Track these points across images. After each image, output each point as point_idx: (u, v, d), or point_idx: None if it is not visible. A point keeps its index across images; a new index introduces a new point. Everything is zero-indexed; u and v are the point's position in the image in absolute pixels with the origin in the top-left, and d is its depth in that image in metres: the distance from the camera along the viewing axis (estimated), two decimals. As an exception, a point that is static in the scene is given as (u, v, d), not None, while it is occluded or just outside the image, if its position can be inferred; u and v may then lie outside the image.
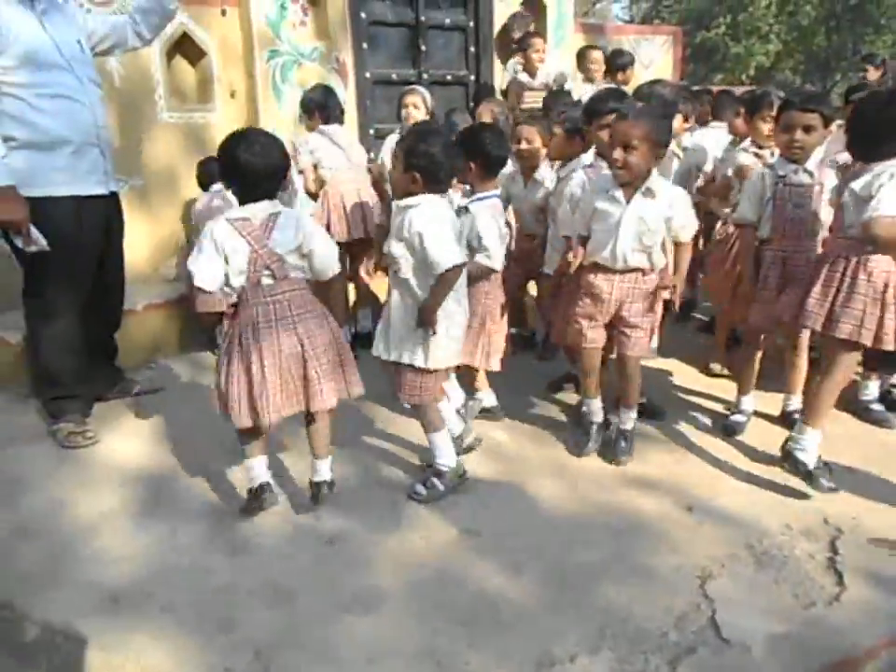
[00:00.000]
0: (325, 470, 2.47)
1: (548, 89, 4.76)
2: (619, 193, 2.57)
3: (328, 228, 3.69)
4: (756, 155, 3.36)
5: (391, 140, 4.17)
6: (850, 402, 3.10)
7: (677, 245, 2.70)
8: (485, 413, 3.08)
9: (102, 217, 2.95)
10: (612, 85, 4.80)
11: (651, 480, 2.67)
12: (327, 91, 3.92)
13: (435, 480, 2.54)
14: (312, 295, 2.34)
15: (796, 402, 3.08)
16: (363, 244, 3.91)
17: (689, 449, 2.88)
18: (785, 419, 3.08)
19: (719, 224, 3.62)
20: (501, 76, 5.23)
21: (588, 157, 3.13)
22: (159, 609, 2.02)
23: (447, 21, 5.16)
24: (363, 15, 4.77)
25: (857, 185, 2.37)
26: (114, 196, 3.04)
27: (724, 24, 20.01)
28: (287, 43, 4.46)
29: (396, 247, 2.39)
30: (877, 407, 3.09)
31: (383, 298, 4.06)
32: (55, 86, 2.68)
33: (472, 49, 5.29)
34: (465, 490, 2.59)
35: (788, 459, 2.58)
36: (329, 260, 2.33)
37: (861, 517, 2.40)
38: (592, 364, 2.80)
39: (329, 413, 2.42)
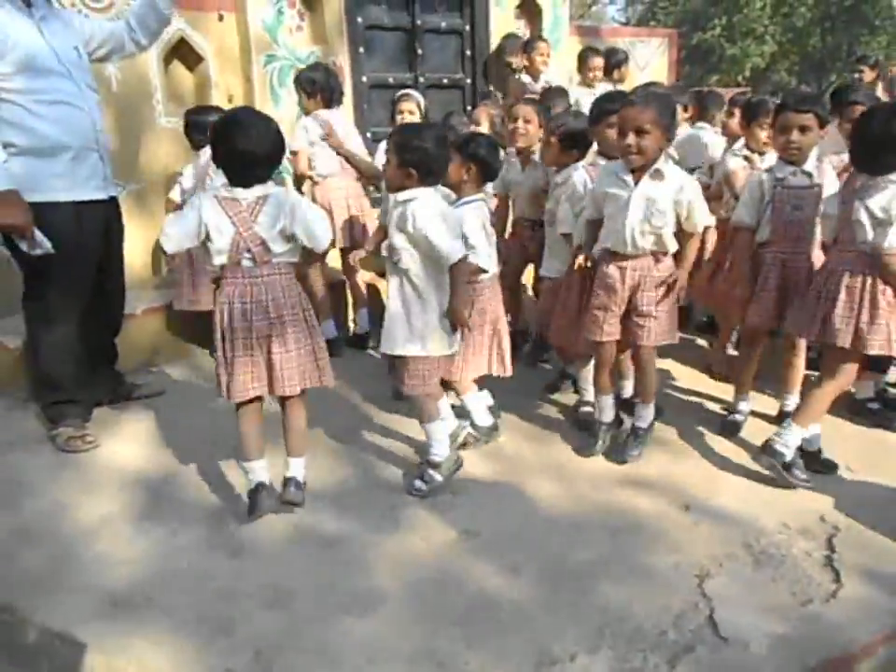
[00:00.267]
0: (295, 468, 2.46)
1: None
2: (628, 177, 2.60)
3: None
4: (746, 158, 3.37)
5: (384, 146, 4.21)
6: (847, 403, 3.11)
7: (686, 235, 2.68)
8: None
9: (101, 222, 2.96)
10: (612, 88, 4.85)
11: (649, 479, 2.68)
12: (328, 71, 3.91)
13: (431, 472, 2.58)
14: (293, 280, 2.36)
15: (793, 402, 3.08)
16: (352, 249, 3.92)
17: (686, 448, 2.89)
18: (782, 419, 3.08)
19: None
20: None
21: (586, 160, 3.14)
22: (159, 612, 2.03)
23: (443, 24, 5.18)
24: (359, 19, 4.79)
25: (873, 204, 2.41)
26: (113, 201, 3.05)
27: (720, 26, 20.12)
28: (284, 48, 4.48)
29: (398, 239, 2.43)
30: (875, 406, 3.10)
31: (375, 299, 4.12)
32: (54, 92, 2.69)
33: (468, 52, 5.32)
34: (463, 491, 2.60)
35: (766, 450, 2.61)
36: (318, 238, 2.32)
37: (857, 515, 2.41)
38: (606, 358, 2.80)
39: (298, 407, 2.43)
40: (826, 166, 2.95)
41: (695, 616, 1.97)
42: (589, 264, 2.76)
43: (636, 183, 2.58)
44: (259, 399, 2.40)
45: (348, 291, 4.19)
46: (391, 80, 4.99)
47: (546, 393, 3.42)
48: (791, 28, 19.86)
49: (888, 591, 2.07)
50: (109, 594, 2.09)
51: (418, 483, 2.58)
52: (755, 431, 3.03)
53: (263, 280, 2.27)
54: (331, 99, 3.82)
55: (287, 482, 2.46)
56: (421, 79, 5.12)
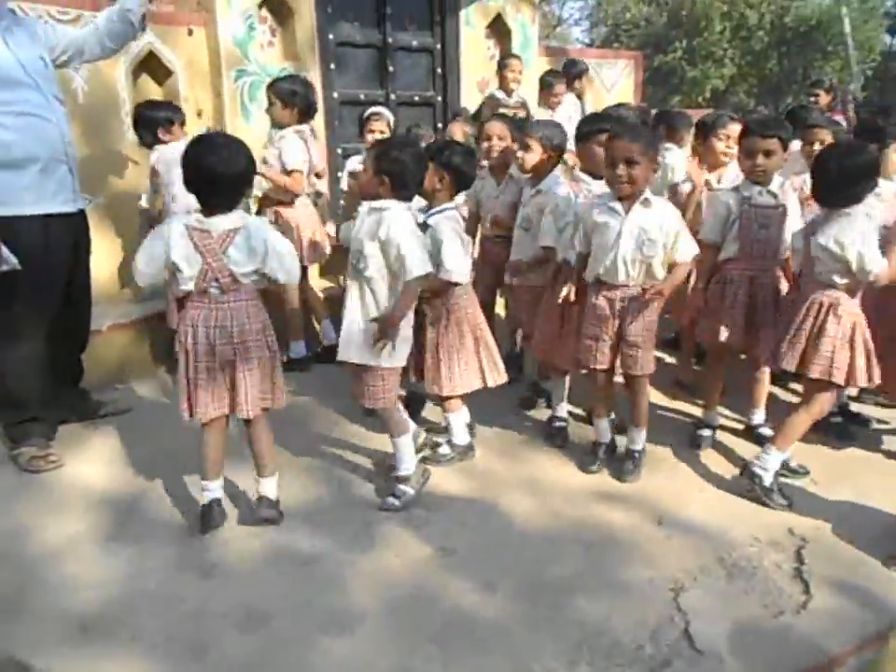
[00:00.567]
0: (267, 487, 2.47)
1: (523, 107, 4.86)
2: (617, 205, 2.64)
3: None
4: (705, 183, 3.42)
5: (352, 162, 4.22)
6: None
7: (674, 265, 2.70)
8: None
9: (70, 236, 2.90)
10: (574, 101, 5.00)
11: (622, 494, 2.71)
12: (307, 84, 3.86)
13: (402, 487, 2.60)
14: (259, 306, 2.36)
15: (760, 417, 3.16)
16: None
17: (657, 463, 2.93)
18: (750, 433, 3.16)
19: None
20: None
21: (558, 171, 3.19)
22: (129, 636, 1.98)
23: (414, 42, 5.22)
24: (331, 36, 4.80)
25: (827, 237, 2.52)
26: (82, 214, 3.00)
27: (681, 49, 20.66)
28: (255, 63, 4.46)
29: (369, 246, 2.44)
30: (838, 420, 3.18)
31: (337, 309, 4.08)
32: (21, 103, 2.64)
33: (439, 70, 5.36)
34: (438, 507, 2.59)
35: (746, 474, 2.67)
36: (287, 275, 2.35)
37: (824, 527, 2.47)
38: (600, 384, 2.86)
39: (264, 425, 2.43)
40: (788, 187, 3.04)
41: (671, 630, 1.99)
42: (572, 297, 2.76)
43: (626, 212, 2.63)
44: (222, 418, 2.39)
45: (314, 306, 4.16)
46: (362, 97, 5.01)
47: (520, 409, 3.42)
48: (749, 52, 20.49)
49: (855, 601, 2.12)
50: (77, 618, 2.04)
51: (391, 500, 2.58)
52: (724, 445, 3.09)
53: (229, 306, 2.27)
54: (308, 113, 3.81)
55: (259, 500, 2.46)
56: (392, 96, 5.14)
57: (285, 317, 3.83)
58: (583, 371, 2.96)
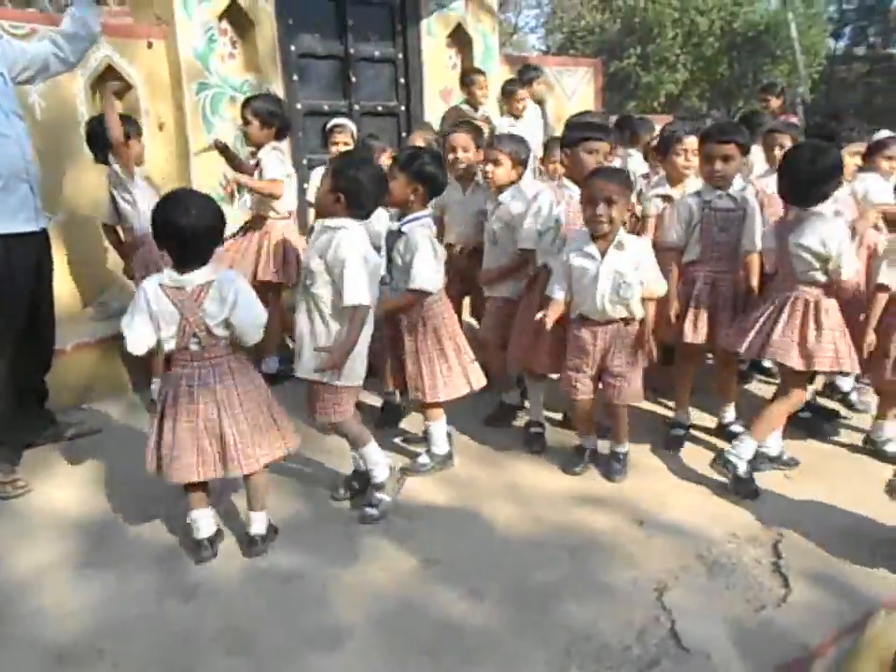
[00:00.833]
0: (258, 524, 2.43)
1: (487, 122, 4.88)
2: (592, 248, 2.68)
3: (256, 270, 3.70)
4: (666, 198, 3.43)
5: (317, 173, 4.20)
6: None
7: (647, 300, 2.75)
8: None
9: (32, 256, 2.83)
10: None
11: (601, 496, 2.73)
12: (281, 102, 3.85)
13: (378, 494, 2.58)
14: (241, 358, 2.33)
15: (731, 414, 3.23)
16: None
17: (634, 465, 2.96)
18: (722, 431, 3.22)
19: None
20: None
21: (527, 181, 3.21)
22: (110, 664, 1.93)
23: (376, 53, 5.23)
24: (293, 48, 4.79)
25: (808, 238, 2.62)
26: (44, 233, 2.93)
27: (635, 55, 21.02)
28: (217, 75, 4.42)
29: (316, 263, 2.43)
30: (806, 415, 3.26)
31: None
32: (-22, 121, 2.58)
33: (402, 80, 5.38)
34: (420, 517, 2.59)
35: (720, 461, 2.74)
36: (250, 331, 2.28)
37: (798, 521, 2.52)
38: (583, 413, 2.91)
39: (263, 472, 2.40)
40: (748, 191, 3.11)
41: (657, 629, 2.02)
42: (547, 324, 2.74)
43: (602, 255, 2.67)
44: (205, 483, 2.35)
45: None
46: (326, 108, 5.00)
47: (498, 423, 3.36)
48: (701, 57, 20.95)
49: (832, 593, 2.17)
50: (54, 648, 1.98)
51: (369, 510, 2.56)
52: (696, 444, 3.15)
53: (211, 363, 2.25)
54: (284, 131, 3.78)
55: (251, 540, 2.40)
56: (356, 107, 5.14)
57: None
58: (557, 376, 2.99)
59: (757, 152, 3.71)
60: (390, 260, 2.82)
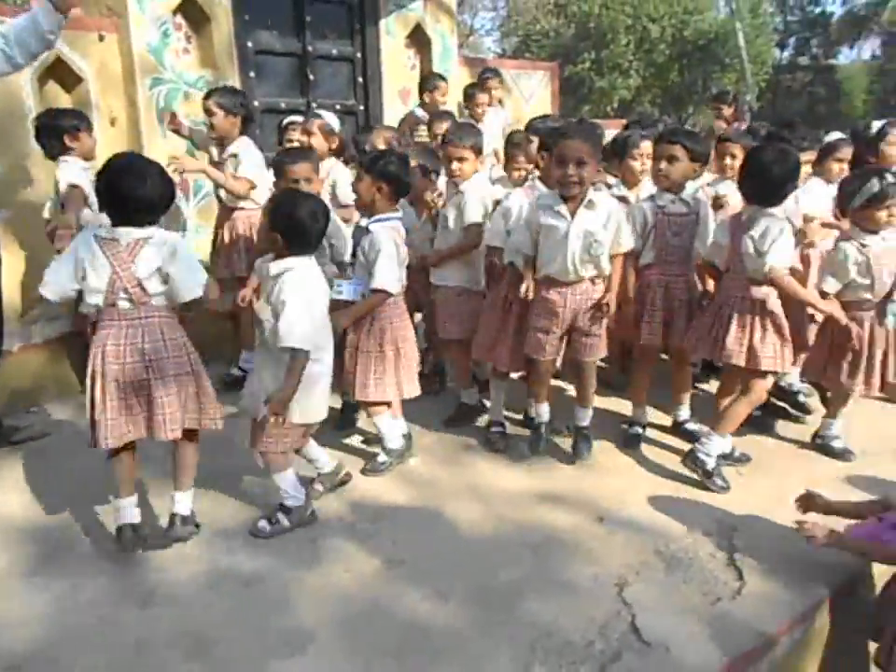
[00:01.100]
0: (181, 504, 2.38)
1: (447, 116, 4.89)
2: (563, 208, 2.71)
3: (228, 262, 3.62)
4: (622, 199, 3.53)
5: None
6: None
7: (613, 257, 2.81)
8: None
9: (-21, 254, 2.73)
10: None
11: (561, 494, 2.77)
12: (244, 93, 3.78)
13: (280, 515, 2.49)
14: (174, 324, 2.27)
15: (685, 413, 3.30)
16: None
17: (594, 462, 3.01)
18: (677, 429, 3.29)
19: None
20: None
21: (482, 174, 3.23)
22: (65, 674, 1.87)
23: (334, 51, 5.19)
24: (249, 44, 4.71)
25: (755, 233, 2.68)
26: (-10, 230, 2.82)
27: (589, 60, 21.35)
28: (171, 71, 4.33)
29: (264, 311, 2.38)
30: (757, 413, 3.35)
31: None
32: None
33: (360, 79, 5.35)
34: (382, 518, 2.58)
35: (690, 458, 2.82)
36: (188, 283, 2.21)
37: (751, 515, 2.59)
38: (545, 371, 2.97)
39: (190, 445, 2.36)
40: (701, 196, 3.18)
41: (619, 624, 2.05)
42: (531, 295, 2.80)
43: (572, 215, 2.70)
44: (132, 444, 2.30)
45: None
46: (283, 105, 4.93)
47: (460, 424, 3.36)
48: (653, 64, 21.39)
49: (783, 583, 2.24)
50: (7, 657, 1.91)
51: (262, 524, 2.47)
52: (653, 441, 3.21)
53: (141, 322, 2.19)
54: (249, 123, 3.72)
55: (172, 518, 2.36)
56: (314, 105, 5.08)
57: (237, 330, 3.77)
58: (520, 374, 3.02)
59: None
60: (354, 255, 2.82)
